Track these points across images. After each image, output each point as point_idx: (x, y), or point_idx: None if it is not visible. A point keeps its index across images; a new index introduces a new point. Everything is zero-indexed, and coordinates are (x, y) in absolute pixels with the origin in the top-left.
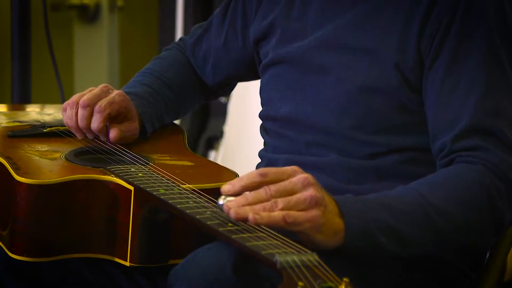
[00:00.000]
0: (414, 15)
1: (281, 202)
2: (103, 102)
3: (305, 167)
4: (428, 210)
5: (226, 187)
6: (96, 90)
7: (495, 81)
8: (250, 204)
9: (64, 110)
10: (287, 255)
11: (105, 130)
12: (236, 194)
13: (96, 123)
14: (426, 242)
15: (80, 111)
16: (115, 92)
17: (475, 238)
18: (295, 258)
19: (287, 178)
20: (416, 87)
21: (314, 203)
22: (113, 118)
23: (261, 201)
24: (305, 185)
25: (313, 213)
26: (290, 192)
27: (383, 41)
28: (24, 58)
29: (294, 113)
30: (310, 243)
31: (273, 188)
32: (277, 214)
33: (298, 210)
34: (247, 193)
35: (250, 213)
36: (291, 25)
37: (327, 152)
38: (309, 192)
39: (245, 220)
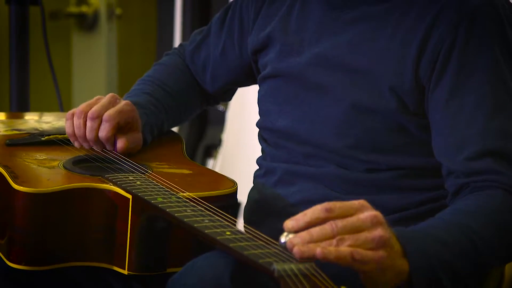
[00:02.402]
0: (412, 39)
1: (348, 239)
2: (112, 111)
3: (303, 177)
4: (475, 241)
5: (289, 224)
6: (104, 100)
7: (500, 102)
8: (315, 241)
9: (69, 119)
10: (285, 264)
11: (113, 139)
12: (300, 230)
13: (104, 132)
14: (472, 274)
15: (88, 123)
16: (123, 102)
17: (499, 262)
18: (293, 266)
19: (354, 213)
20: (414, 110)
21: (382, 243)
22: (120, 128)
23: (327, 238)
24: (374, 224)
25: (380, 254)
26: (358, 230)
27: (380, 63)
28: (22, 66)
29: (292, 128)
30: (371, 283)
31: (340, 224)
32: (344, 249)
33: (365, 249)
34: (312, 229)
35: (319, 249)
36: (289, 38)
37: (325, 163)
38: (378, 232)
39: (310, 258)
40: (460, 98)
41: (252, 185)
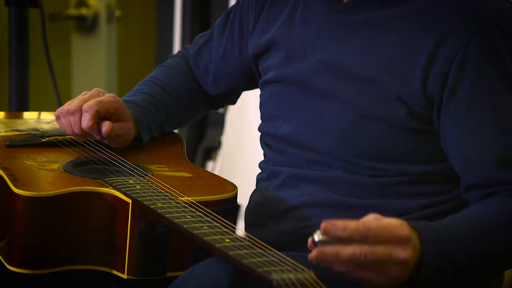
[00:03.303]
0: (420, 49)
1: (369, 273)
2: (90, 102)
3: (308, 181)
4: (491, 245)
5: (327, 226)
6: (86, 95)
7: None
8: (339, 261)
9: (58, 118)
10: (284, 273)
11: (97, 128)
12: (333, 237)
13: (85, 122)
14: (482, 274)
15: (71, 118)
16: (106, 95)
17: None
18: (292, 276)
19: (388, 243)
20: (423, 117)
21: (395, 276)
22: (104, 118)
23: (352, 261)
24: (399, 262)
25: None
26: (385, 262)
27: (386, 72)
28: (22, 68)
29: (295, 134)
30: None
31: (370, 258)
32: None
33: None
34: (344, 250)
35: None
36: (292, 43)
37: (329, 168)
38: (397, 270)
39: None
40: (478, 113)
41: (252, 187)
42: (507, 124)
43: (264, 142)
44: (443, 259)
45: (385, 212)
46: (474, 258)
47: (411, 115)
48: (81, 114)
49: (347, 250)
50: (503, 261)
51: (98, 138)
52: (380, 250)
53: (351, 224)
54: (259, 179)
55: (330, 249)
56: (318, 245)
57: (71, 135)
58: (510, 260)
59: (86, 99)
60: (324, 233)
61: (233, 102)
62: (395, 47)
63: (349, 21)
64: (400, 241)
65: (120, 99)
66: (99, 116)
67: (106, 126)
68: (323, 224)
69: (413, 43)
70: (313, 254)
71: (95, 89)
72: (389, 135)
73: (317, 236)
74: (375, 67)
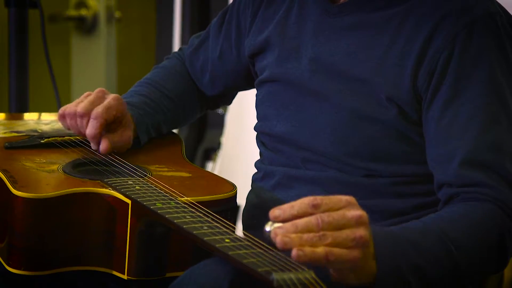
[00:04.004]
0: (410, 49)
1: (330, 237)
2: (100, 108)
3: (302, 181)
4: (450, 248)
5: (276, 213)
6: (91, 97)
7: (495, 115)
8: (299, 232)
9: (62, 118)
10: (284, 273)
11: (99, 137)
12: (285, 221)
13: (92, 129)
14: (445, 281)
15: (78, 121)
16: (110, 97)
17: (480, 274)
18: (292, 276)
19: (341, 209)
20: (413, 119)
21: (361, 244)
22: (110, 123)
23: (311, 231)
24: (358, 223)
25: (355, 253)
26: (342, 227)
27: (377, 73)
28: (22, 69)
29: (290, 133)
30: (339, 279)
31: (326, 220)
32: (320, 251)
33: (343, 247)
34: (297, 220)
35: (295, 249)
36: (287, 43)
37: (323, 167)
38: (360, 232)
39: (289, 249)
40: (455, 110)
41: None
42: (481, 123)
43: (260, 141)
44: (396, 253)
45: (380, 212)
46: (431, 258)
47: (402, 115)
48: (89, 119)
49: (303, 219)
50: (470, 267)
51: (94, 147)
52: (334, 212)
53: (297, 201)
54: (254, 179)
55: (287, 224)
56: (271, 234)
57: (77, 135)
58: (481, 266)
59: (93, 102)
60: (274, 218)
61: (229, 102)
62: (386, 48)
63: (343, 22)
64: (350, 204)
65: (124, 101)
66: (107, 123)
67: (105, 144)
68: (270, 213)
69: (403, 43)
70: (275, 240)
71: (99, 89)
72: (382, 135)
73: (268, 227)
74: (366, 67)
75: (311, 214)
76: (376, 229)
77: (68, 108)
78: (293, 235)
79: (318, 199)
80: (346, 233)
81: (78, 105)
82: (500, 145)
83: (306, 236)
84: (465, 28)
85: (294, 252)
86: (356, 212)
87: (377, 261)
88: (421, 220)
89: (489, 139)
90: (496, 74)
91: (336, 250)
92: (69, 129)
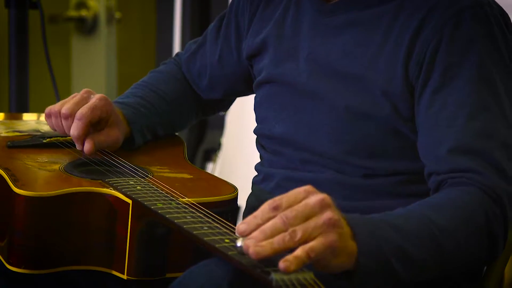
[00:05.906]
0: (401, 43)
1: (299, 231)
2: (84, 109)
3: (301, 183)
4: (433, 231)
5: (241, 228)
6: (77, 97)
7: (483, 103)
8: (269, 237)
9: (48, 117)
10: (283, 274)
11: (83, 138)
12: (253, 232)
13: (75, 130)
14: (431, 264)
15: (63, 122)
16: (96, 97)
17: (471, 261)
18: (291, 276)
19: (302, 201)
20: (407, 115)
21: (332, 225)
22: (95, 124)
23: (279, 232)
24: (322, 207)
25: (331, 237)
26: (307, 217)
27: (371, 69)
28: (22, 70)
29: (289, 134)
30: (323, 268)
31: (290, 215)
32: (301, 253)
33: (316, 235)
34: (264, 226)
35: (281, 263)
36: (283, 44)
37: (322, 169)
38: (327, 215)
39: (267, 257)
40: (444, 98)
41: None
42: (470, 110)
43: (259, 144)
44: (376, 234)
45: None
46: (414, 240)
47: (397, 112)
48: (73, 119)
49: (268, 223)
50: (457, 250)
51: (78, 148)
52: (296, 205)
53: (259, 209)
54: (254, 181)
55: (255, 233)
56: (244, 248)
57: (62, 135)
58: (469, 250)
59: (78, 103)
60: (241, 234)
61: (226, 108)
62: (380, 44)
63: (337, 21)
64: (309, 192)
65: (109, 100)
66: (91, 124)
67: (88, 145)
68: (236, 230)
69: (395, 37)
70: (248, 252)
71: (84, 89)
72: (378, 132)
73: (239, 242)
74: (361, 64)
75: (275, 217)
76: (353, 215)
77: (53, 108)
78: (264, 243)
79: (277, 199)
80: (314, 221)
81: (63, 105)
82: (489, 132)
83: (276, 239)
84: (453, 18)
85: (281, 265)
86: (317, 197)
87: (356, 240)
88: (405, 207)
89: (478, 126)
90: (486, 62)
91: (313, 244)
92: (54, 129)
